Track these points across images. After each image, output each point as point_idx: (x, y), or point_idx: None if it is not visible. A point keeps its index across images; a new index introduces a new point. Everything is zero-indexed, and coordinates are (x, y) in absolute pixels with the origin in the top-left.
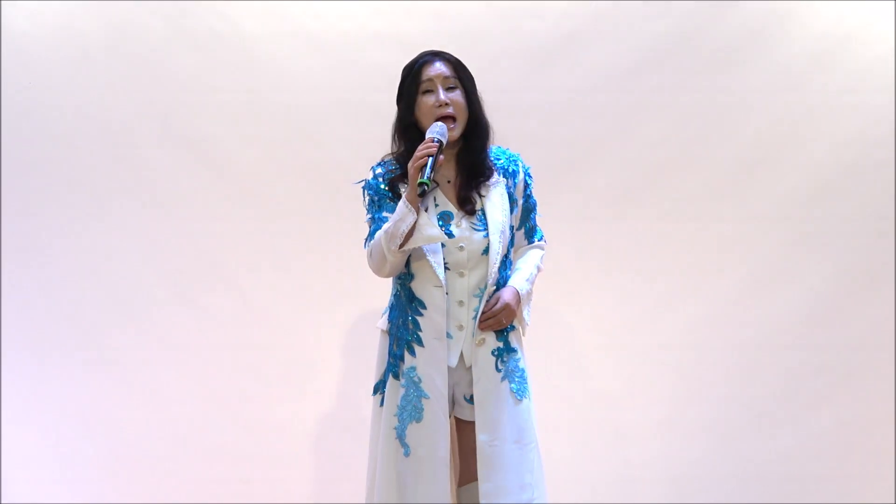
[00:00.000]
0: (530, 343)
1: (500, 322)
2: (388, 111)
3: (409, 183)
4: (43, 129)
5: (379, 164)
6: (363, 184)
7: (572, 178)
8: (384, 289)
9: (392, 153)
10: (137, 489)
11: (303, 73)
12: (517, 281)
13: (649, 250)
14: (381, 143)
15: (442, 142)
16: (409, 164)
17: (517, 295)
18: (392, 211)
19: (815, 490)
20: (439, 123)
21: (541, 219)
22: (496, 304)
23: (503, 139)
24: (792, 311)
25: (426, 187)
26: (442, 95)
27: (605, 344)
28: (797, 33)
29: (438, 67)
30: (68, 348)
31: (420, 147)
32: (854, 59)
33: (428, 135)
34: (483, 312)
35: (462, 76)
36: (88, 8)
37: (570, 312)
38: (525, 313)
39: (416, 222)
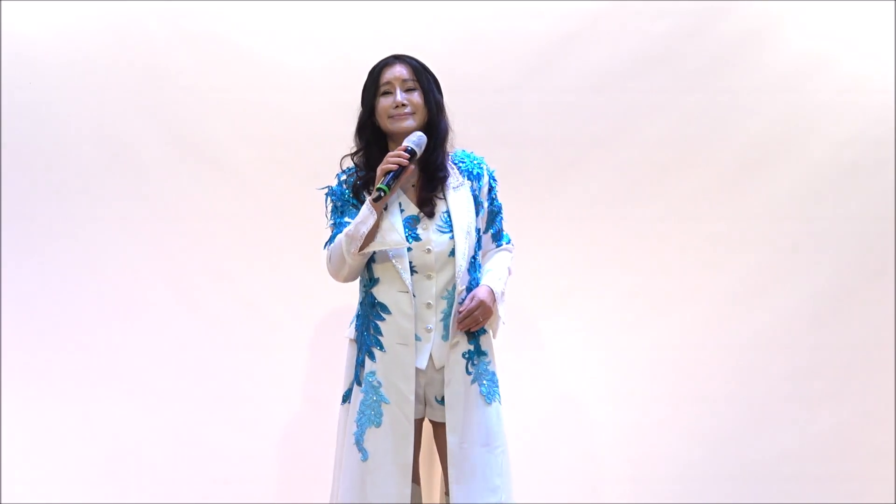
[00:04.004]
0: (529, 342)
1: (476, 320)
2: None
3: (375, 183)
4: (43, 129)
5: (343, 172)
6: (327, 190)
7: (572, 179)
8: None
9: (350, 154)
10: (137, 489)
11: (302, 73)
12: (491, 280)
13: (649, 250)
14: None
15: (415, 152)
16: (379, 168)
17: (492, 293)
18: (353, 216)
19: (815, 490)
20: (419, 133)
21: (540, 219)
22: (472, 302)
23: (503, 139)
24: (792, 310)
25: (383, 193)
26: (399, 96)
27: (604, 344)
28: (797, 33)
29: (397, 70)
30: (68, 348)
31: (392, 153)
32: (854, 59)
33: (405, 142)
34: (459, 312)
35: (421, 79)
36: (88, 8)
37: (569, 312)
38: (500, 312)
39: (377, 224)
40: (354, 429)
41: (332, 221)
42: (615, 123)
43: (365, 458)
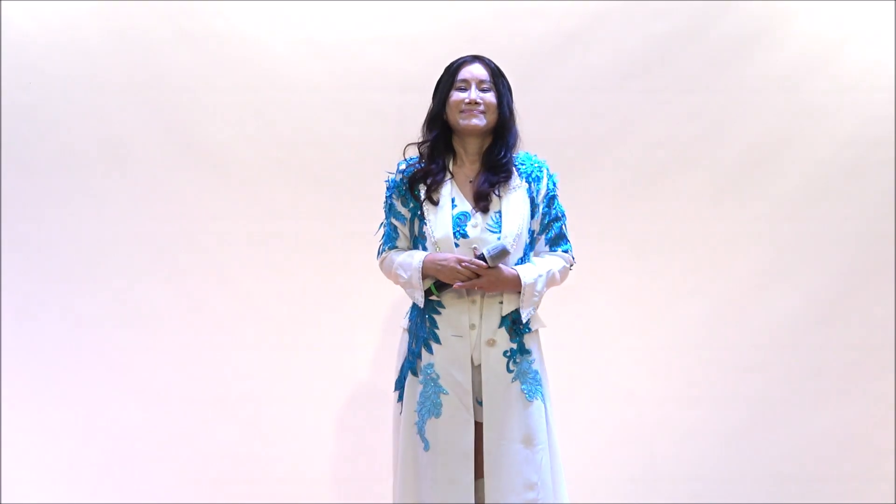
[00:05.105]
0: None
1: (479, 281)
2: (388, 111)
3: (442, 273)
4: (43, 129)
5: (404, 161)
6: (387, 179)
7: (572, 178)
8: (383, 289)
9: (417, 143)
10: (138, 489)
11: (303, 74)
12: (524, 268)
13: (649, 250)
14: (381, 142)
15: (487, 262)
16: (451, 266)
17: (516, 276)
18: (399, 218)
19: (815, 490)
20: (503, 246)
21: None
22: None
23: None
24: (792, 310)
25: (431, 293)
26: (474, 94)
27: (603, 343)
28: (797, 33)
29: (476, 69)
30: (68, 348)
31: (470, 262)
32: (854, 59)
33: (486, 252)
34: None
35: (497, 82)
36: (89, 8)
37: (570, 312)
38: (527, 309)
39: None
40: (416, 419)
41: (384, 216)
42: (615, 123)
43: (427, 447)
